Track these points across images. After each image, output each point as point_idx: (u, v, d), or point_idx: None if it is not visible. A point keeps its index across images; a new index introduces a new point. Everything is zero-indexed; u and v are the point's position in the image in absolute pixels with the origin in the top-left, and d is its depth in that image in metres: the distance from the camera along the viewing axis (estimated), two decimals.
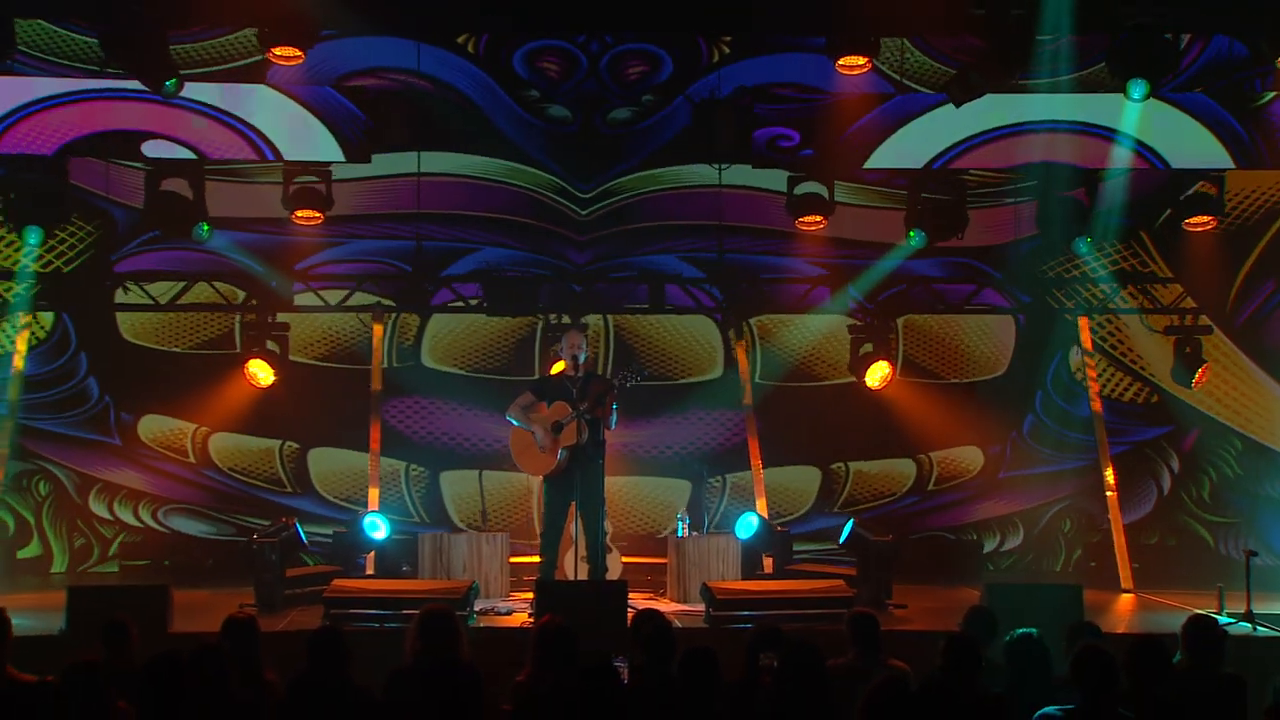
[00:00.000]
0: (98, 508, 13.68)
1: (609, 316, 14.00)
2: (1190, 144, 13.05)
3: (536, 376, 12.98)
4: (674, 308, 13.80)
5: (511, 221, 13.76)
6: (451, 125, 13.09)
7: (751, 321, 14.04)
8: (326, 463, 13.94)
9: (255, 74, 12.86)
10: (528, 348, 14.00)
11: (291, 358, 13.23)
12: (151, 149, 12.81)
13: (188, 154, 12.79)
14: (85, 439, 13.66)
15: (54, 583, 12.89)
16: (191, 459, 13.83)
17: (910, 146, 13.11)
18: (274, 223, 13.15)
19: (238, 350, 13.35)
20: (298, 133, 12.91)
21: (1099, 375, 13.90)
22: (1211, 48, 12.91)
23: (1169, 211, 13.17)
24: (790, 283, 13.82)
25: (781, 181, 13.01)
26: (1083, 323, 13.78)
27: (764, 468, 13.67)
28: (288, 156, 12.82)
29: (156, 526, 13.75)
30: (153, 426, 13.78)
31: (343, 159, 12.85)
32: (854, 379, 13.49)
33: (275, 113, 12.93)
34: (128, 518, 13.72)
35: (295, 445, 13.83)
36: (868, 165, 13.12)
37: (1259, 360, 13.82)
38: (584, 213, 13.86)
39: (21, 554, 13.41)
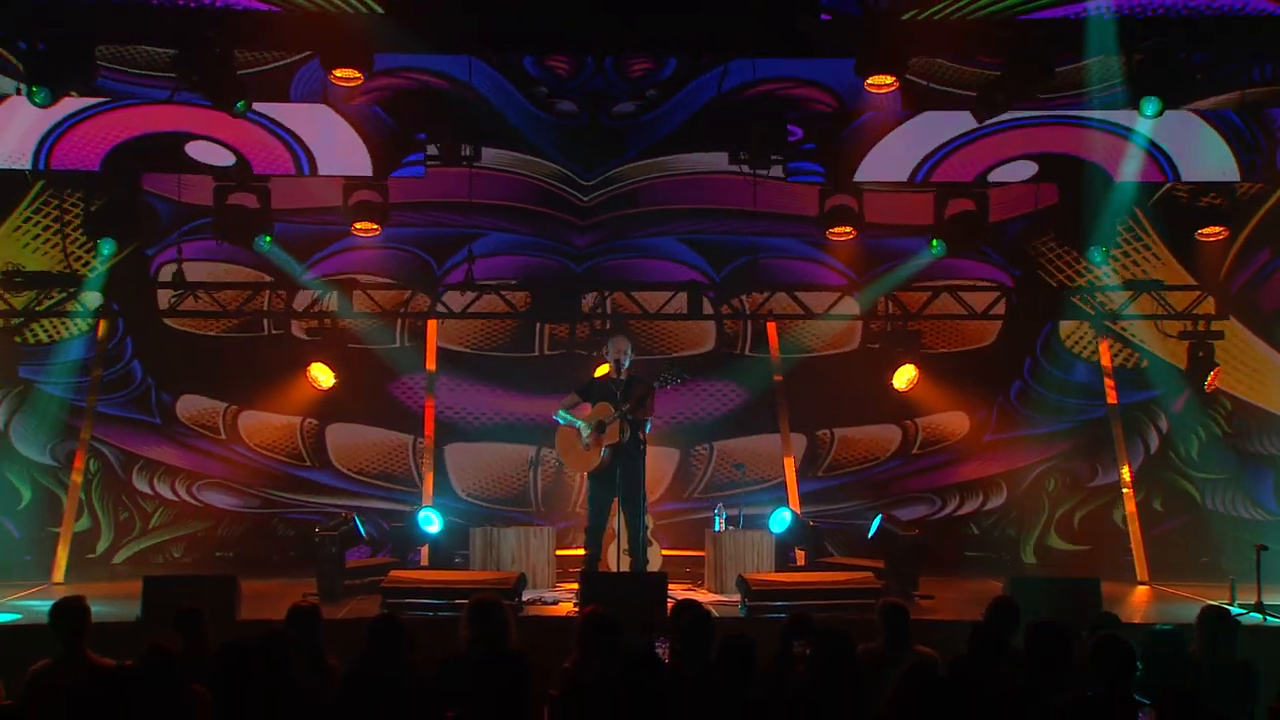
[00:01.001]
0: (140, 483, 13.76)
1: (605, 294, 13.88)
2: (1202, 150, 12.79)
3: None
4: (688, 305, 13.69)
5: (517, 208, 13.69)
6: (466, 122, 12.98)
7: (743, 298, 13.95)
8: (342, 438, 13.93)
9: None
10: (527, 327, 13.99)
11: (302, 336, 13.43)
12: (194, 150, 12.71)
13: (229, 155, 12.68)
14: (130, 419, 13.71)
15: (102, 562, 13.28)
16: (223, 435, 13.87)
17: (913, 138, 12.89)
18: (301, 213, 13.17)
19: (265, 333, 13.54)
20: (327, 135, 12.78)
21: (1088, 342, 13.82)
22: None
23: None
24: (809, 289, 13.75)
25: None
26: (1103, 348, 13.65)
27: (752, 435, 13.73)
28: (321, 162, 12.74)
29: (191, 501, 13.80)
30: (189, 406, 13.84)
31: (369, 170, 12.74)
32: (843, 349, 13.60)
33: (308, 117, 12.75)
34: (166, 493, 13.79)
35: (314, 421, 13.82)
36: (873, 151, 12.86)
37: (1251, 325, 13.58)
38: (586, 199, 13.80)
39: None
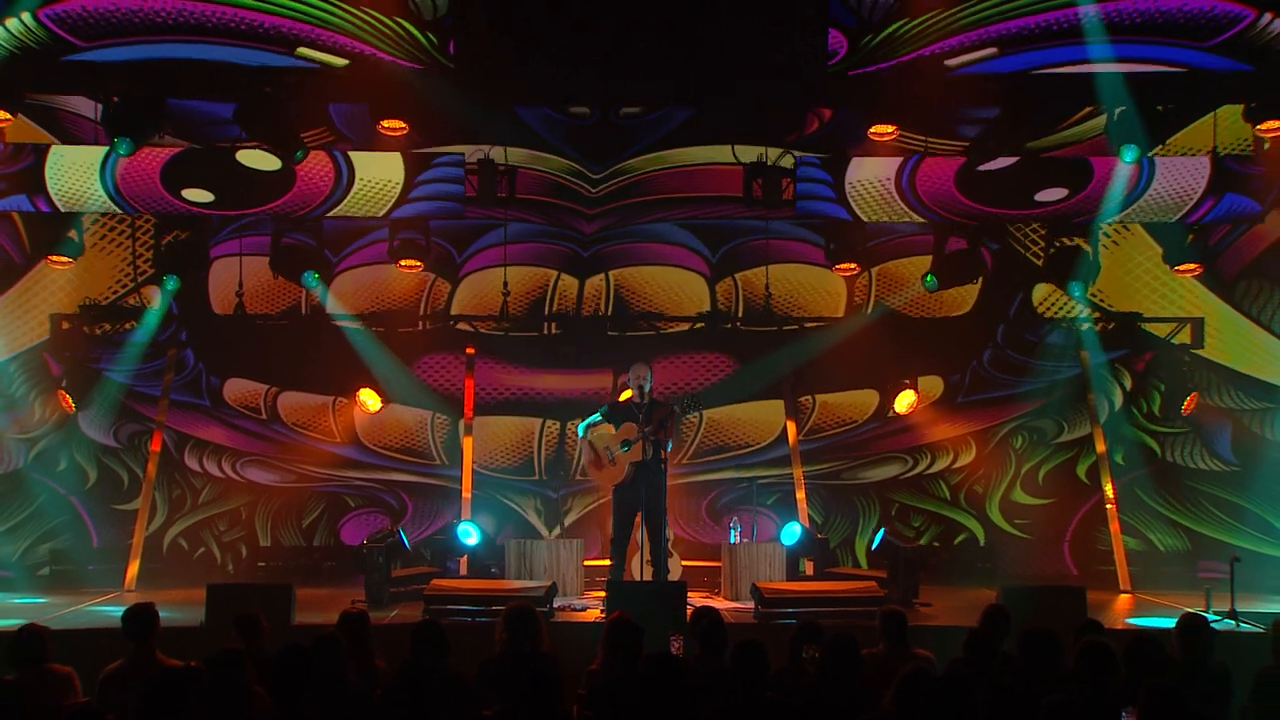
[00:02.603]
0: (191, 462, 13.74)
1: (609, 273, 13.87)
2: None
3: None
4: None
5: (532, 200, 13.53)
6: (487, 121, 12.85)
7: (736, 276, 13.87)
8: (367, 414, 13.68)
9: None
10: (536, 309, 13.89)
11: (340, 320, 13.42)
12: (244, 158, 12.18)
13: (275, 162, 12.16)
14: (183, 401, 13.63)
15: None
16: (264, 416, 13.84)
17: None
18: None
19: (303, 315, 13.45)
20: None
21: (1060, 307, 13.61)
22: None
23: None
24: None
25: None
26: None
27: (738, 403, 13.70)
28: (358, 168, 12.37)
29: (235, 477, 13.79)
30: (235, 389, 13.79)
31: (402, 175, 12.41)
32: (827, 320, 13.55)
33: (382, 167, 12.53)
34: (214, 470, 13.77)
35: (344, 400, 13.68)
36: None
37: (1213, 287, 13.37)
38: (594, 190, 13.71)
39: (130, 506, 13.41)
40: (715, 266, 13.95)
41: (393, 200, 12.43)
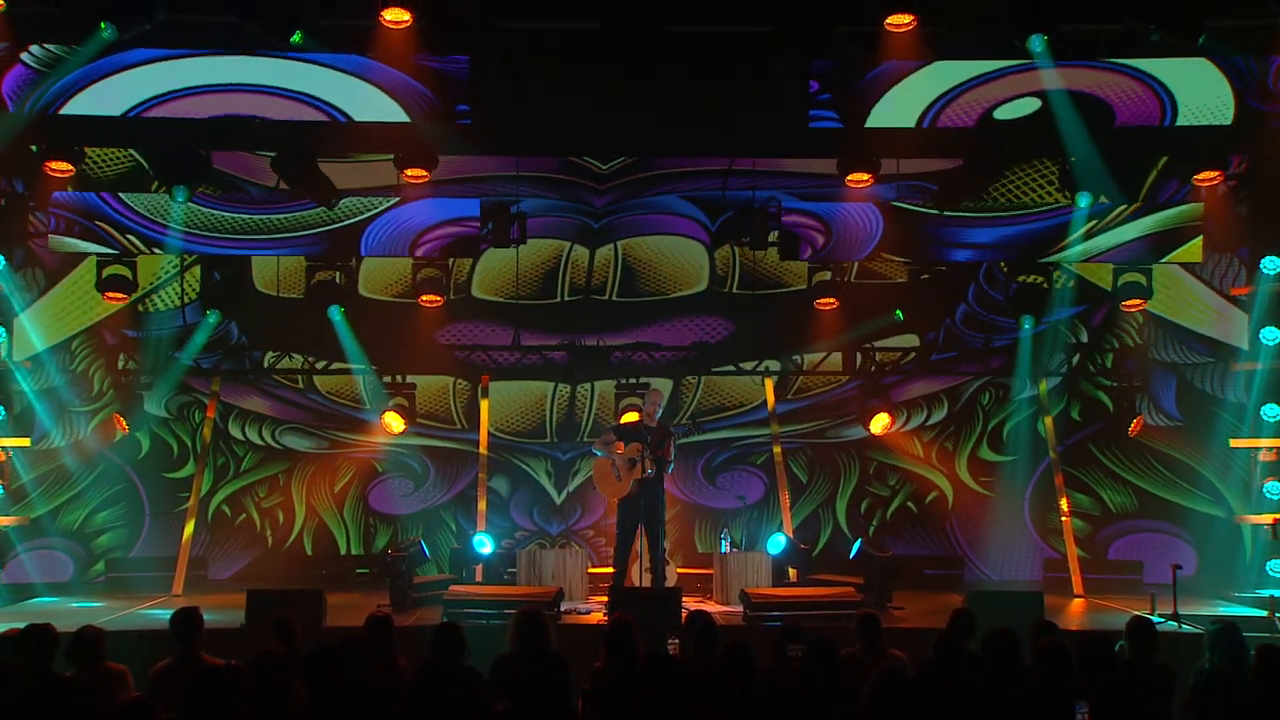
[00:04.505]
0: (234, 431, 13.65)
1: (618, 242, 13.75)
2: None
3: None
4: None
5: (546, 178, 13.45)
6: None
7: (734, 247, 13.69)
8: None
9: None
10: (551, 278, 13.77)
11: (368, 295, 13.45)
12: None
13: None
14: (228, 371, 13.56)
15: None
16: (300, 385, 13.75)
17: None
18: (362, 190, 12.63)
19: (336, 286, 12.99)
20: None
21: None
22: None
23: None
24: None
25: None
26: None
27: (727, 367, 13.63)
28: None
29: (274, 445, 13.71)
30: (275, 360, 13.71)
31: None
32: (809, 288, 13.36)
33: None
34: (255, 438, 13.69)
35: (375, 367, 13.45)
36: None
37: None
38: (604, 167, 13.62)
39: (179, 474, 13.40)
40: (715, 235, 13.72)
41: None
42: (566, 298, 13.85)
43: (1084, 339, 13.66)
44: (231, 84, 10.89)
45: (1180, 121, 11.07)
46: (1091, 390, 13.61)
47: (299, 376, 13.77)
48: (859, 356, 13.78)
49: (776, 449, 13.47)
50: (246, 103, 10.95)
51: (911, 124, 11.13)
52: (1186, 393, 13.27)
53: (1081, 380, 13.62)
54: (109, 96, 10.83)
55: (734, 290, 13.81)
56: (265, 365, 13.68)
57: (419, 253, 12.78)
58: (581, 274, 13.87)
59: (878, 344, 13.73)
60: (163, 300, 13.48)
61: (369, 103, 11.01)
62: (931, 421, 13.83)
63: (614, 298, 13.85)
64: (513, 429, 13.95)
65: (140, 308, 13.29)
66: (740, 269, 13.86)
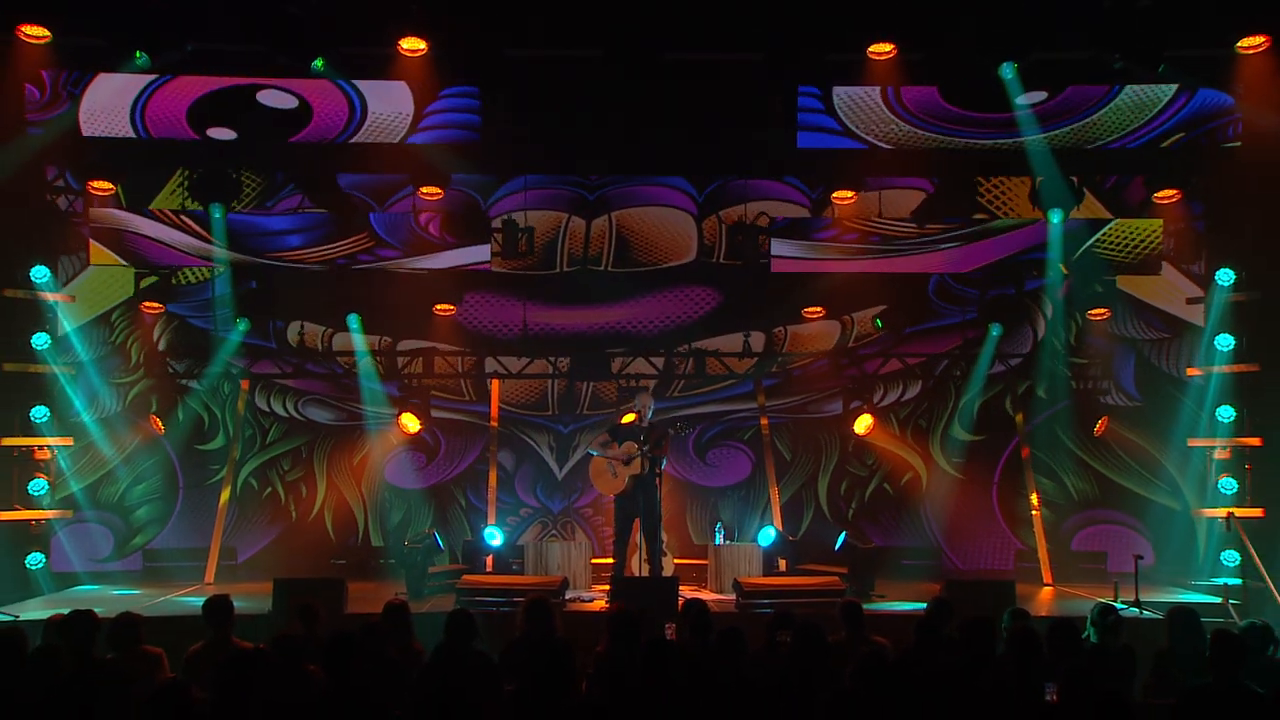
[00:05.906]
0: (260, 402, 13.37)
1: (612, 215, 13.44)
2: None
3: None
4: None
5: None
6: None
7: (720, 214, 13.30)
8: (407, 352, 13.47)
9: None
10: (552, 249, 13.41)
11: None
12: (264, 97, 11.63)
13: (293, 100, 11.67)
14: (252, 345, 13.16)
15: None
16: (320, 354, 13.35)
17: None
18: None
19: (356, 261, 12.74)
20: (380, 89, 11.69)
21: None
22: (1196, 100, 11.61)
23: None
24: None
25: None
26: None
27: (717, 336, 13.33)
28: (371, 105, 11.75)
29: (297, 416, 13.41)
30: (296, 331, 13.32)
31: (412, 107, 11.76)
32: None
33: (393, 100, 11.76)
34: (279, 409, 13.36)
35: (389, 340, 13.34)
36: None
37: (1121, 215, 12.65)
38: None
39: (210, 446, 13.22)
40: (702, 206, 13.42)
41: (404, 130, 11.84)
42: (565, 268, 13.49)
43: (1049, 311, 13.15)
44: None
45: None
46: (1057, 367, 13.16)
47: (319, 346, 13.35)
48: (840, 326, 13.45)
49: (763, 420, 13.33)
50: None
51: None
52: (1145, 370, 12.99)
53: (1048, 358, 13.19)
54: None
55: (721, 260, 13.36)
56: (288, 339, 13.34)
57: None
58: (579, 245, 13.51)
59: (857, 314, 13.42)
60: (194, 273, 13.18)
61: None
62: (907, 397, 13.50)
63: (609, 268, 13.50)
64: (515, 401, 13.69)
65: (175, 280, 13.09)
66: (726, 240, 13.39)
